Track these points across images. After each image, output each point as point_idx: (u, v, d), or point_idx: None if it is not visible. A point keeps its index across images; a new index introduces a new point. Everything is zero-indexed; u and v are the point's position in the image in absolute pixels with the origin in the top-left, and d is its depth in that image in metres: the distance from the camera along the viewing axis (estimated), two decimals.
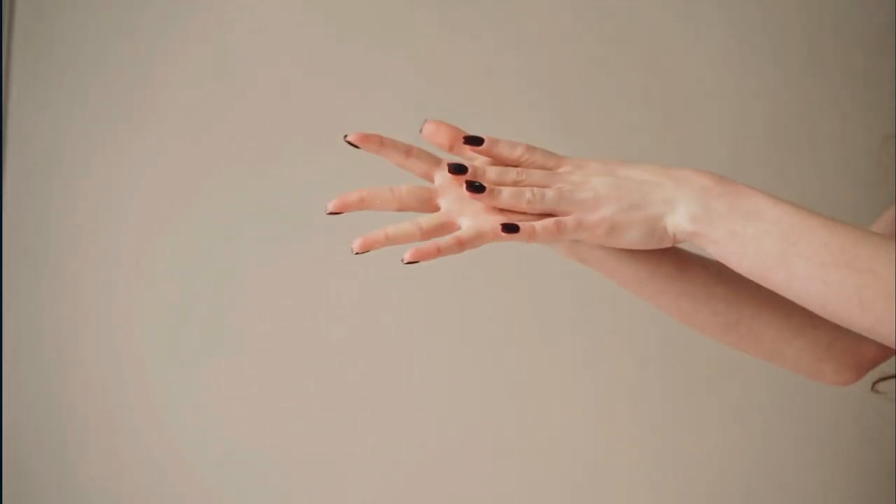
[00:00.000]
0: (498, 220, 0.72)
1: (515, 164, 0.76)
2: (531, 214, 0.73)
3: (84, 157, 1.25)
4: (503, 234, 0.71)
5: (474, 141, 0.75)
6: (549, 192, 0.74)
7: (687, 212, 0.74)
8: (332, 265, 1.29)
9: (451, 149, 0.76)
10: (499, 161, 0.76)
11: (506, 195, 0.73)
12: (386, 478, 1.31)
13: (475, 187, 0.73)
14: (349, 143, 0.76)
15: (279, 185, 1.28)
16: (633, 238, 0.74)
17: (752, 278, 0.75)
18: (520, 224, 0.72)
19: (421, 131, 0.76)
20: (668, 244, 0.75)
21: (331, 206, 0.75)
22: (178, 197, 1.27)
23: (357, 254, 0.73)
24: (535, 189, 0.74)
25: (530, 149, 0.76)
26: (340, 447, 1.30)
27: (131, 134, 1.26)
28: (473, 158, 0.77)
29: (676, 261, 0.83)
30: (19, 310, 1.25)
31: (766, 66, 1.36)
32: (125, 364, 1.26)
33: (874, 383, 1.03)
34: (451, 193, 0.75)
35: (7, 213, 1.24)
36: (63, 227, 1.25)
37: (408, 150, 0.77)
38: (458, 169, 0.74)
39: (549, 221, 0.72)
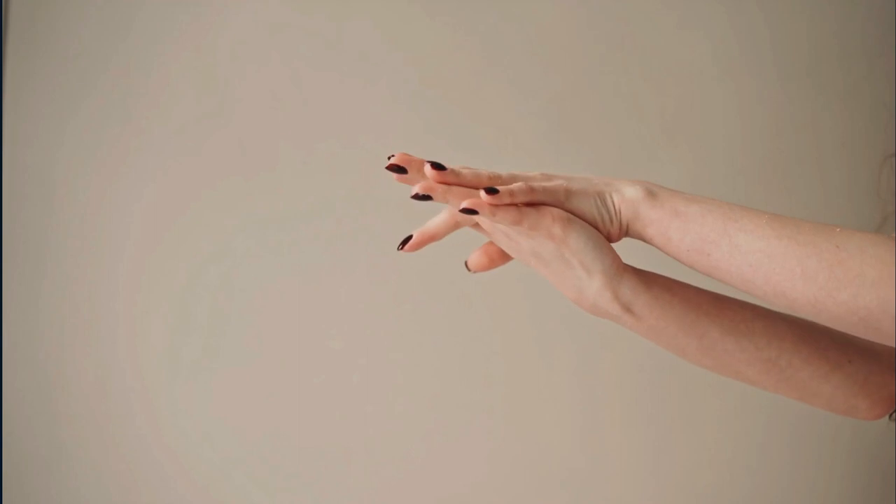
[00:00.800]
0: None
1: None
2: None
3: (81, 164, 1.24)
4: (488, 196, 0.74)
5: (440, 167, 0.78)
6: (504, 174, 0.78)
7: (631, 191, 0.78)
8: (329, 274, 1.29)
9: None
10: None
11: (467, 173, 0.76)
12: (385, 482, 1.30)
13: (436, 165, 0.76)
14: (393, 167, 0.78)
15: (278, 193, 1.28)
16: (589, 205, 0.78)
17: (691, 259, 0.77)
18: (499, 188, 0.75)
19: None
20: (616, 230, 0.79)
21: (396, 159, 0.77)
22: (177, 204, 1.26)
23: (415, 197, 0.75)
24: (492, 172, 0.78)
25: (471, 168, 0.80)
26: (339, 450, 1.29)
27: (129, 140, 1.25)
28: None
29: (713, 298, 0.85)
30: (19, 314, 1.24)
31: (768, 73, 1.37)
32: (125, 371, 1.25)
33: (892, 414, 1.01)
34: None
35: (6, 217, 1.23)
36: (62, 235, 1.24)
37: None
38: (436, 165, 0.77)
39: (521, 183, 0.76)
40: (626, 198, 0.78)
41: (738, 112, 1.36)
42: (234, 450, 1.27)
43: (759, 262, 0.74)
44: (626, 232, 0.79)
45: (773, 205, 1.35)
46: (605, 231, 0.78)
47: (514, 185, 0.75)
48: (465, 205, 0.74)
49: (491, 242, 0.83)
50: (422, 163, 0.78)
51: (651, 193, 0.78)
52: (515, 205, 0.75)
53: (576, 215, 0.78)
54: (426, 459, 1.31)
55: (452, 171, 0.76)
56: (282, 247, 1.28)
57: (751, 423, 1.38)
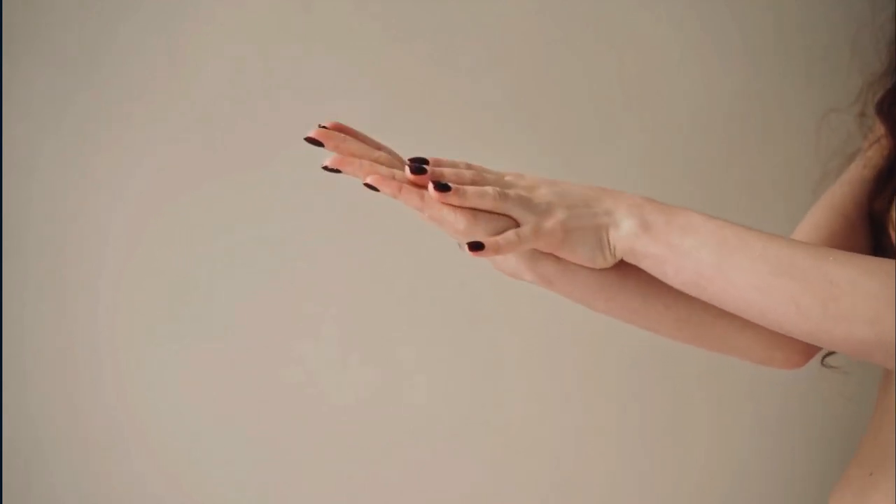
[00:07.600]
0: (466, 235, 0.76)
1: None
2: (492, 214, 0.76)
3: (70, 161, 1.23)
4: (471, 252, 0.74)
5: (420, 163, 0.77)
6: (511, 192, 0.77)
7: (627, 224, 0.78)
8: (323, 270, 1.28)
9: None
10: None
11: (471, 193, 0.76)
12: (379, 483, 1.30)
13: (441, 186, 0.75)
14: (311, 139, 0.77)
15: (269, 186, 1.27)
16: (585, 247, 0.78)
17: (687, 290, 0.78)
18: (484, 241, 0.75)
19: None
20: (610, 262, 0.79)
21: (329, 162, 0.77)
22: (165, 198, 1.25)
23: (325, 168, 0.76)
24: (498, 189, 0.76)
25: (470, 165, 0.80)
26: (335, 451, 1.29)
27: (118, 136, 1.24)
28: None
29: (621, 267, 0.85)
30: (17, 314, 1.23)
31: (732, 46, 1.35)
32: (117, 374, 1.25)
33: (823, 357, 1.06)
34: None
35: (6, 216, 1.24)
36: (48, 232, 1.23)
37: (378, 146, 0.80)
38: (418, 169, 0.76)
39: (510, 233, 0.76)
40: (622, 234, 0.78)
41: (701, 86, 1.34)
42: (232, 452, 1.27)
43: (754, 299, 0.76)
44: (617, 261, 0.80)
45: (735, 179, 1.35)
46: (594, 264, 0.79)
47: (502, 239, 0.75)
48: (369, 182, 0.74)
49: None
50: (343, 138, 0.77)
51: (646, 227, 0.78)
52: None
53: (567, 257, 0.79)
54: (420, 456, 1.31)
55: (457, 191, 0.75)
56: (278, 244, 1.27)
57: (741, 421, 1.38)
